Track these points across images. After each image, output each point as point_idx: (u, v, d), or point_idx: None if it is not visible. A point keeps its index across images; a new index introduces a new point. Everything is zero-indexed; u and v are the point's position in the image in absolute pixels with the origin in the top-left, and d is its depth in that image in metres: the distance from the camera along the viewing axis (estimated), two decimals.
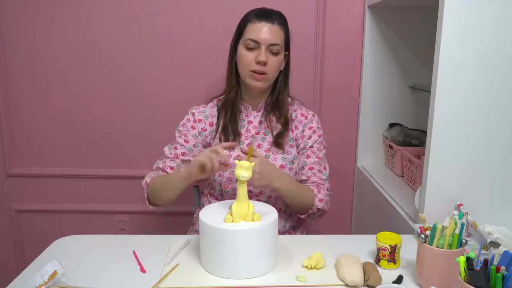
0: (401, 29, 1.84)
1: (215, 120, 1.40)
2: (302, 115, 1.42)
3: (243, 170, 1.03)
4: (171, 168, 1.35)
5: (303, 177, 1.38)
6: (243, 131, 1.38)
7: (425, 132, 1.29)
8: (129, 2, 1.84)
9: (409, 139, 1.85)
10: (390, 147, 1.85)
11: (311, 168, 1.37)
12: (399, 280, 1.01)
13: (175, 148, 1.38)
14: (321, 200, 1.32)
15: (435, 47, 1.20)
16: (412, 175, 1.64)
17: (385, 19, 1.83)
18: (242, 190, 1.05)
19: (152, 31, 1.86)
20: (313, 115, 1.44)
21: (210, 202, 1.41)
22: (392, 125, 1.92)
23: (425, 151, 1.27)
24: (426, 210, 1.26)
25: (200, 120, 1.40)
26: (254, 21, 1.30)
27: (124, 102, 1.93)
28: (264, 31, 1.28)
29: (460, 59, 1.18)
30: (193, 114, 1.41)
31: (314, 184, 1.35)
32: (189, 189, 1.74)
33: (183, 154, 1.36)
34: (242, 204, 1.04)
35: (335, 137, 1.94)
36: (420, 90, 1.84)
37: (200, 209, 1.17)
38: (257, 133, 1.38)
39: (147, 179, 1.36)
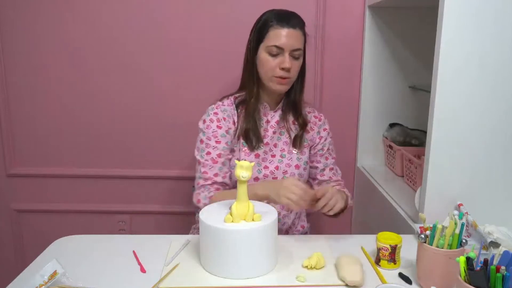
0: (401, 29, 1.84)
1: (236, 118, 1.37)
2: (315, 117, 1.46)
3: (243, 170, 1.03)
4: (216, 175, 1.32)
5: (325, 178, 1.45)
6: (261, 130, 1.38)
7: (425, 132, 1.29)
8: (128, 3, 1.84)
9: (409, 139, 1.85)
10: (390, 147, 1.85)
11: (331, 169, 1.47)
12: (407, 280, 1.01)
13: (208, 153, 1.33)
14: (352, 198, 1.45)
15: (435, 47, 1.20)
16: (412, 175, 1.64)
17: (385, 19, 1.83)
18: (242, 190, 1.05)
19: (152, 32, 1.86)
20: (325, 117, 1.49)
21: None
22: (392, 125, 1.92)
23: (425, 151, 1.27)
24: (426, 210, 1.26)
25: (224, 119, 1.35)
26: (277, 27, 1.27)
27: (124, 102, 1.93)
28: (287, 37, 1.27)
29: (460, 59, 1.18)
30: (215, 113, 1.36)
31: (337, 183, 1.46)
32: (189, 189, 1.75)
33: (219, 155, 1.32)
34: (242, 204, 1.04)
35: (335, 137, 1.91)
36: (420, 90, 1.84)
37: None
38: (274, 133, 1.39)
39: (205, 200, 1.31)
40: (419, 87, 1.84)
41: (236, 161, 1.05)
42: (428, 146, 1.25)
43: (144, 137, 1.96)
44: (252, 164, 1.06)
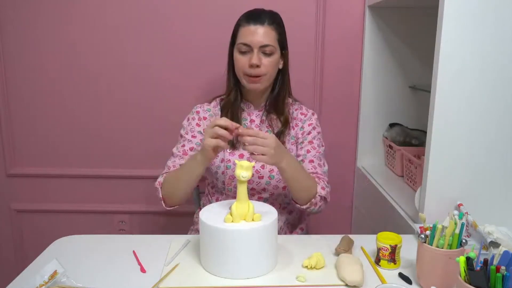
0: (401, 29, 1.84)
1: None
2: (302, 113, 1.44)
3: (243, 170, 1.03)
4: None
5: None
6: None
7: (425, 132, 1.29)
8: (129, 3, 1.84)
9: (409, 139, 1.85)
10: (390, 147, 1.85)
11: (311, 161, 1.36)
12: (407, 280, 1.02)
13: (183, 145, 1.37)
14: (323, 188, 1.30)
15: (435, 47, 1.20)
16: (412, 175, 1.64)
17: (385, 19, 1.83)
18: (242, 190, 1.05)
19: (152, 32, 1.86)
20: (313, 113, 1.45)
21: (210, 202, 1.41)
22: (392, 125, 1.92)
23: (425, 151, 1.27)
24: (426, 210, 1.26)
25: (205, 118, 1.41)
26: (244, 25, 1.31)
27: (124, 102, 1.93)
28: (254, 34, 1.28)
29: (460, 59, 1.18)
30: (197, 112, 1.42)
31: (314, 175, 1.33)
32: None
33: (191, 149, 1.36)
34: (242, 204, 1.04)
35: (335, 137, 1.94)
36: (420, 90, 1.84)
37: (200, 209, 1.17)
38: None
39: (160, 179, 1.33)
40: (419, 87, 1.84)
41: (236, 161, 1.05)
42: (428, 146, 1.25)
43: (145, 137, 1.96)
44: (253, 164, 1.06)
